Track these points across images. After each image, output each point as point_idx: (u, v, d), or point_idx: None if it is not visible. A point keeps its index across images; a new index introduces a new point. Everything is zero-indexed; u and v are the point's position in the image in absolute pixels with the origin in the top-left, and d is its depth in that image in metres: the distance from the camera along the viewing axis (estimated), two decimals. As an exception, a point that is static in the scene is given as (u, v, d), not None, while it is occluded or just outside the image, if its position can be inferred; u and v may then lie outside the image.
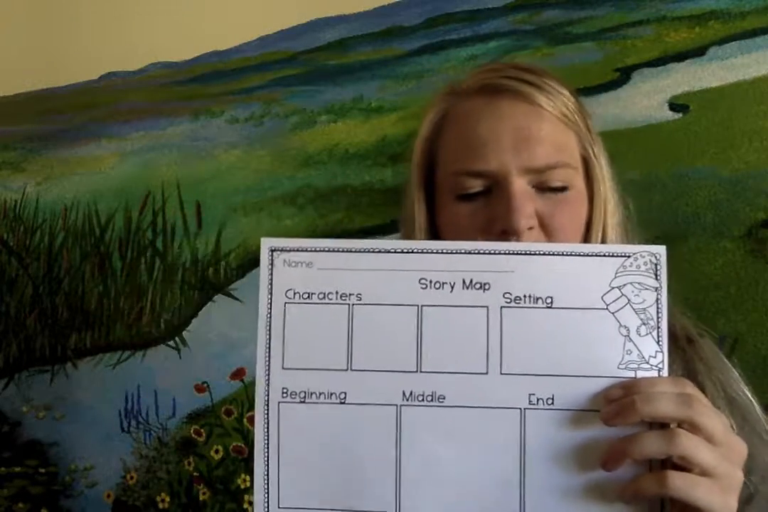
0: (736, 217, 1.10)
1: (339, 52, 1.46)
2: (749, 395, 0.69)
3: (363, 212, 1.39)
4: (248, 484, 1.44)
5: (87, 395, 1.67)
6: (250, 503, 1.39)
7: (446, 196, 0.68)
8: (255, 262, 1.52)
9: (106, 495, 1.64)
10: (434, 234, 0.71)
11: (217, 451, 1.51)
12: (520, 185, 0.64)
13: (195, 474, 1.53)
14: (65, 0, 1.77)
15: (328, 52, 1.47)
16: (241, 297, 1.52)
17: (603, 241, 0.68)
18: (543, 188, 0.65)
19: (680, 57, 1.16)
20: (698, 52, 1.15)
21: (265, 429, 0.53)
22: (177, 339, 1.57)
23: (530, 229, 0.63)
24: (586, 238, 0.68)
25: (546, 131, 0.65)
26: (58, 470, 1.70)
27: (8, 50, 1.84)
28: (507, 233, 0.63)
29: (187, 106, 1.61)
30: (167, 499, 1.57)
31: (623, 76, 1.19)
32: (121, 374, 1.63)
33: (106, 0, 1.72)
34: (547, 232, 0.64)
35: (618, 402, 0.47)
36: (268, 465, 0.53)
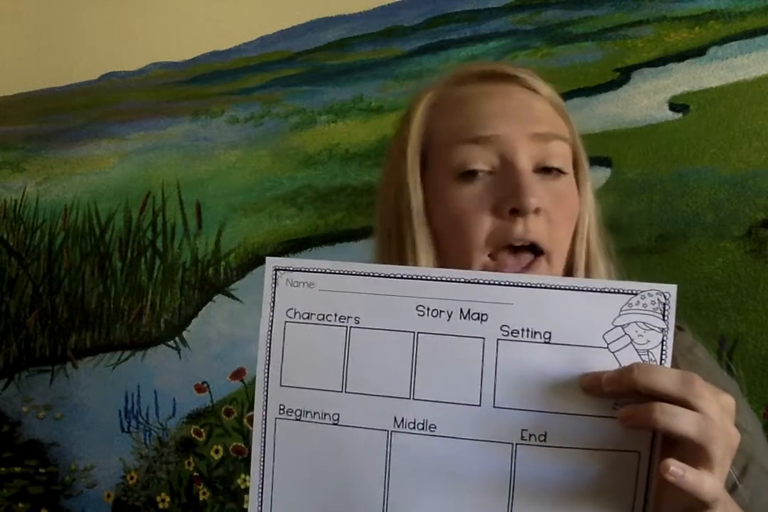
0: (736, 217, 1.10)
1: (339, 52, 1.46)
2: (732, 381, 0.68)
3: (363, 212, 1.39)
4: (248, 484, 1.44)
5: (87, 395, 1.67)
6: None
7: (445, 178, 0.66)
8: (255, 262, 1.52)
9: (106, 495, 1.64)
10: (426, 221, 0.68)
11: (217, 451, 1.51)
12: (525, 163, 0.63)
13: (195, 474, 1.54)
14: (65, 0, 1.77)
15: (328, 52, 1.47)
16: (241, 297, 1.52)
17: (588, 236, 0.68)
18: (543, 169, 0.64)
19: (680, 57, 1.16)
20: (698, 52, 1.15)
21: (262, 444, 0.53)
22: (177, 339, 1.57)
23: (537, 211, 0.62)
24: (575, 231, 0.67)
25: (546, 110, 0.67)
26: (58, 470, 1.70)
27: (8, 50, 1.84)
28: (517, 212, 0.61)
29: (187, 106, 1.61)
30: (167, 499, 1.57)
31: (623, 76, 1.19)
32: (121, 374, 1.63)
33: (106, 0, 1.72)
34: (549, 222, 0.63)
35: (617, 369, 0.47)
36: (263, 477, 0.53)
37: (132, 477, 1.61)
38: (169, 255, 1.60)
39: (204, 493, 1.52)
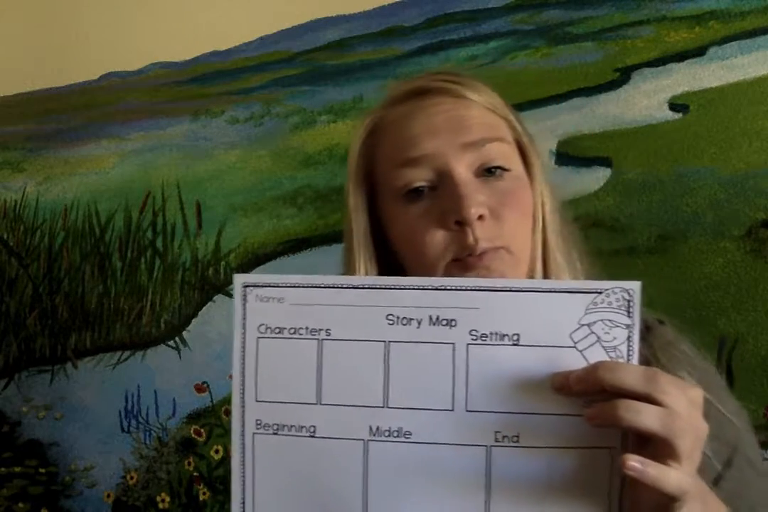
0: (736, 217, 1.10)
1: (339, 52, 1.46)
2: (716, 374, 0.68)
3: (363, 212, 1.39)
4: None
5: (87, 395, 1.67)
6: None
7: (392, 199, 0.68)
8: (255, 262, 1.52)
9: (106, 495, 1.64)
10: (379, 245, 0.71)
11: (217, 451, 1.51)
12: (462, 173, 0.64)
13: (195, 474, 1.54)
14: (66, 0, 1.77)
15: (328, 52, 1.47)
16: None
17: (543, 227, 0.69)
18: (485, 171, 0.66)
19: (680, 57, 1.16)
20: (698, 52, 1.15)
21: (242, 459, 0.54)
22: (177, 339, 1.57)
23: (481, 218, 0.63)
24: (533, 222, 0.68)
25: (475, 115, 0.67)
26: (58, 470, 1.70)
27: (8, 50, 1.84)
28: (461, 223, 0.63)
29: (187, 106, 1.61)
30: (167, 499, 1.57)
31: (623, 76, 1.19)
32: (121, 374, 1.63)
33: (106, 0, 1.72)
34: (499, 222, 0.64)
35: (583, 368, 0.47)
36: (244, 493, 0.54)
37: (132, 477, 1.61)
38: (169, 255, 1.60)
39: (204, 493, 1.52)
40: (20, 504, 1.73)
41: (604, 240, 1.17)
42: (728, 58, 1.13)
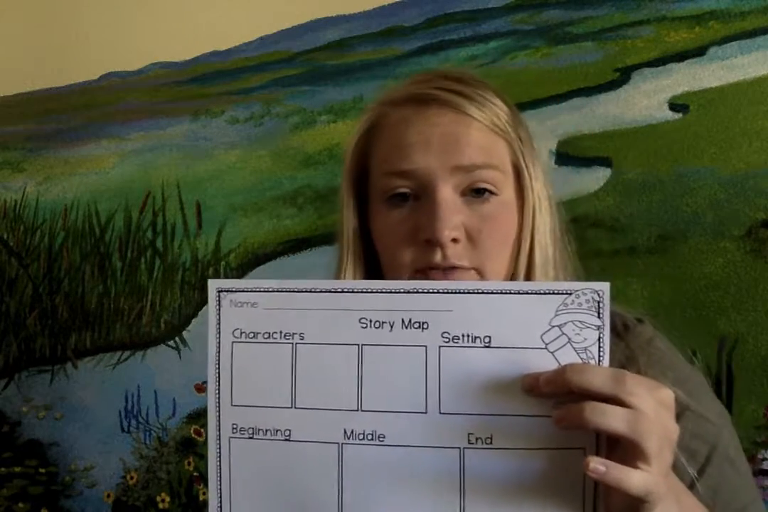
0: (736, 217, 1.10)
1: (339, 52, 1.46)
2: (696, 372, 0.68)
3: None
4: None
5: (87, 395, 1.67)
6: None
7: (377, 201, 0.69)
8: (255, 262, 1.52)
9: (106, 495, 1.64)
10: (366, 242, 0.72)
11: (217, 451, 1.51)
12: (446, 193, 0.64)
13: (195, 474, 1.54)
14: (66, 0, 1.77)
15: (328, 52, 1.47)
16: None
17: (531, 249, 0.68)
18: (471, 191, 0.65)
19: (680, 57, 1.16)
20: (698, 52, 1.15)
21: (218, 463, 0.54)
22: (177, 339, 1.58)
23: (455, 240, 0.63)
24: (518, 247, 0.67)
25: (474, 137, 0.66)
26: (58, 470, 1.70)
27: (8, 50, 1.84)
28: (431, 243, 0.63)
29: (187, 106, 1.61)
30: (167, 499, 1.57)
31: (623, 76, 1.19)
32: (121, 374, 1.63)
33: (107, 0, 1.72)
34: (474, 245, 0.64)
35: (553, 370, 0.48)
36: (220, 498, 0.54)
37: (132, 477, 1.61)
38: (169, 255, 1.60)
39: (204, 493, 1.52)
40: (20, 504, 1.73)
41: (604, 240, 1.17)
42: (728, 58, 1.13)
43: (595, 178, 1.18)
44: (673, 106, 1.16)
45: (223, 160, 1.56)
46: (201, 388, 1.53)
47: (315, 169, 1.46)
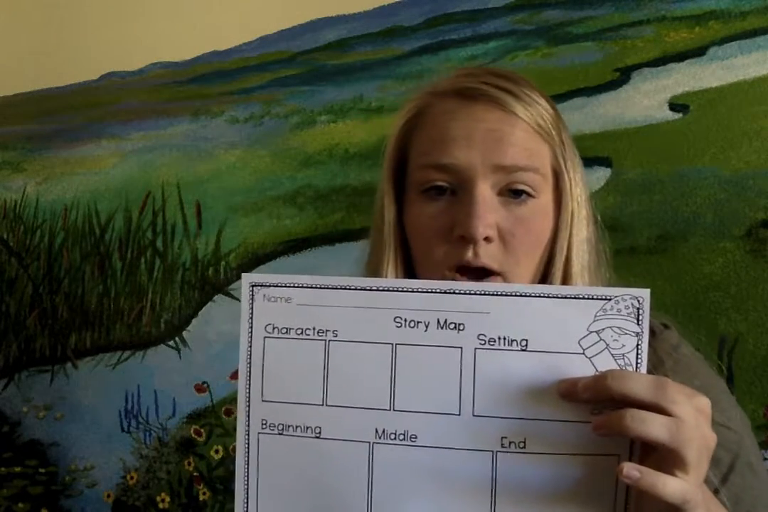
0: (736, 217, 1.10)
1: (339, 52, 1.46)
2: (719, 379, 0.68)
3: (363, 212, 1.39)
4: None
5: (87, 395, 1.67)
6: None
7: (413, 192, 0.68)
8: (255, 262, 1.52)
9: (106, 495, 1.64)
10: (402, 232, 0.70)
11: (217, 451, 1.51)
12: (484, 190, 0.63)
13: (195, 474, 1.54)
14: (65, 0, 1.77)
15: (328, 52, 1.47)
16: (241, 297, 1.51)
17: (567, 257, 0.67)
18: (508, 191, 0.65)
19: (680, 57, 1.16)
20: (698, 52, 1.15)
21: (246, 458, 0.54)
22: (177, 339, 1.57)
23: (488, 239, 0.63)
24: (551, 253, 0.67)
25: (518, 137, 0.65)
26: (58, 470, 1.70)
27: (8, 50, 1.84)
28: (465, 239, 0.63)
29: (187, 106, 1.61)
30: (167, 499, 1.57)
31: (623, 76, 1.19)
32: (121, 374, 1.63)
33: (107, 0, 1.72)
34: (505, 247, 0.64)
35: (592, 376, 0.47)
36: (247, 492, 0.54)
37: (132, 477, 1.61)
38: (169, 255, 1.60)
39: (204, 493, 1.52)
40: (20, 504, 1.73)
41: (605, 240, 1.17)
42: (728, 58, 1.12)
43: (595, 178, 1.18)
44: (673, 106, 1.16)
45: (223, 160, 1.56)
46: (201, 388, 1.53)
47: (315, 169, 1.46)
